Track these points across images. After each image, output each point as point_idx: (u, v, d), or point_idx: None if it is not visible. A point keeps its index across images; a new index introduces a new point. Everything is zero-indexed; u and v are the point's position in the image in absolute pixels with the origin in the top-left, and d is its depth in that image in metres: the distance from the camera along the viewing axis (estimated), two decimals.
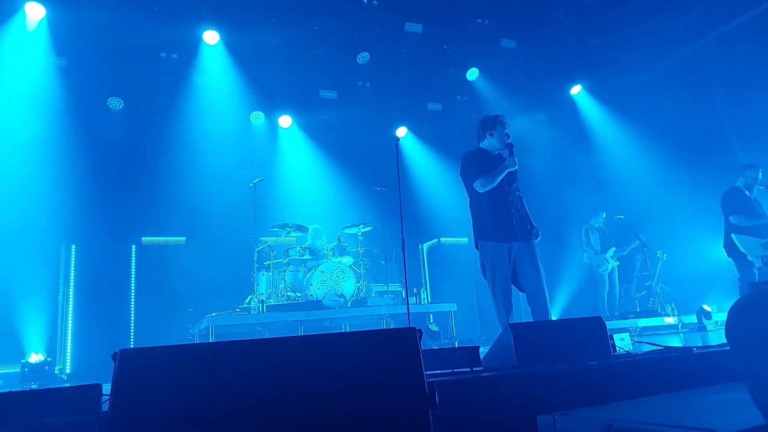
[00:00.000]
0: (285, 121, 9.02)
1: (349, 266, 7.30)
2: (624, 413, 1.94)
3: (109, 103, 7.76)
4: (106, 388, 2.25)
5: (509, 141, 4.12)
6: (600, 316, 2.84)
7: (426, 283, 9.00)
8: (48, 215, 6.82)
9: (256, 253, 7.15)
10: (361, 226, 7.69)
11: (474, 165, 4.09)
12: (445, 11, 7.29)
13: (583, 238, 8.31)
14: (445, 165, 9.12)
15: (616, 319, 7.14)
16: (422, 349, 2.17)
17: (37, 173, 6.86)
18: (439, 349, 2.88)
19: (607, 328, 2.75)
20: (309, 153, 9.11)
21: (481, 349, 2.62)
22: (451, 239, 9.26)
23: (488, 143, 4.20)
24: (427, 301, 7.97)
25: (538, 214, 4.39)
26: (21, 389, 4.83)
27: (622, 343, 3.05)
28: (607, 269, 8.13)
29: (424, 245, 9.43)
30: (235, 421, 1.09)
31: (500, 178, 3.97)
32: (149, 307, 7.32)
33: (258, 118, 8.84)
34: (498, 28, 7.71)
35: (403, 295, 7.58)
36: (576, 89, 9.33)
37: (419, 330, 1.51)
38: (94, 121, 7.55)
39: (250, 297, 7.03)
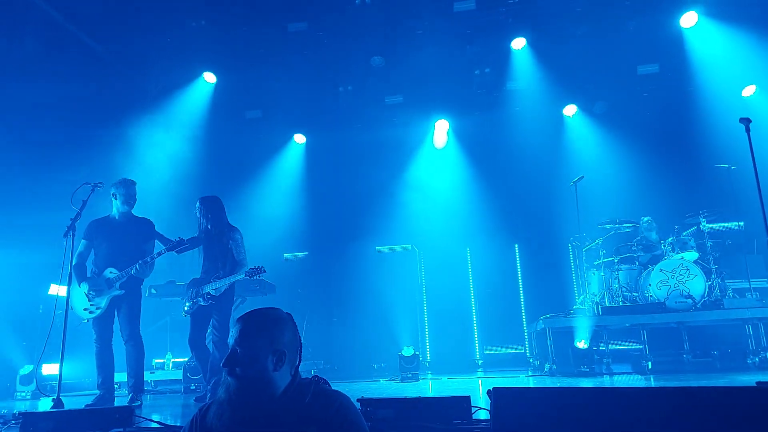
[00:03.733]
0: (599, 108, 8.56)
1: (694, 262, 6.44)
2: None
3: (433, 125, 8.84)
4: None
5: None
6: None
7: None
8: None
9: (584, 252, 7.02)
10: (706, 214, 6.68)
11: None
12: None
13: None
14: None
15: None
16: None
17: None
18: None
19: None
20: (630, 139, 8.40)
21: None
22: None
23: None
24: None
25: None
26: (401, 381, 5.99)
27: None
28: None
29: None
30: None
31: None
32: (486, 306, 8.09)
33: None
34: None
35: None
36: None
37: None
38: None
39: (582, 297, 6.95)
